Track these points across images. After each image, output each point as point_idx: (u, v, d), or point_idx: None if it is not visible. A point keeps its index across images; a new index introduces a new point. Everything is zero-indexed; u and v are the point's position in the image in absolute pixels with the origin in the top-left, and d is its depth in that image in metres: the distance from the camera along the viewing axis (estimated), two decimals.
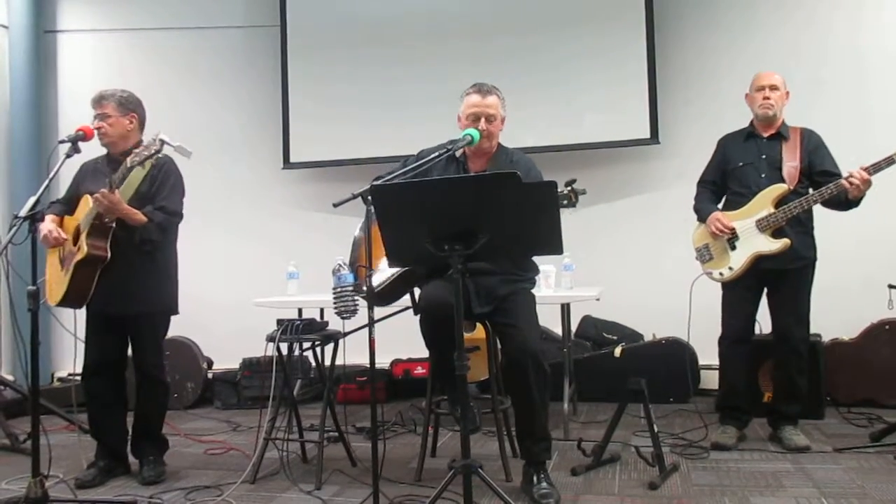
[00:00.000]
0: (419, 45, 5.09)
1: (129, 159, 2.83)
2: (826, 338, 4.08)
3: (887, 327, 4.05)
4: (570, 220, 2.40)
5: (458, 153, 2.83)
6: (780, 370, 3.42)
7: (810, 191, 3.28)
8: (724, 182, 3.48)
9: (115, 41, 5.61)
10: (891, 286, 3.65)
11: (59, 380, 5.19)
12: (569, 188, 2.42)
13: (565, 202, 2.39)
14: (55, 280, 3.09)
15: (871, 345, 4.07)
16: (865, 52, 4.58)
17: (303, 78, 5.26)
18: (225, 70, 5.51)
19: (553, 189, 2.32)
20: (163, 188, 3.09)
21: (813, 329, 3.87)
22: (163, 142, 2.77)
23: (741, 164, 3.40)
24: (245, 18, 5.52)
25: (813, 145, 3.35)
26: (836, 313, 4.15)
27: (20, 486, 2.85)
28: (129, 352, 3.22)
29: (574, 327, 4.54)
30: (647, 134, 4.73)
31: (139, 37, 5.57)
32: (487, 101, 2.83)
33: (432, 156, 2.73)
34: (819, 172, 3.30)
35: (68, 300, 3.06)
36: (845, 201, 3.19)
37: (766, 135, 3.40)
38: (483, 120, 2.80)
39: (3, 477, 3.22)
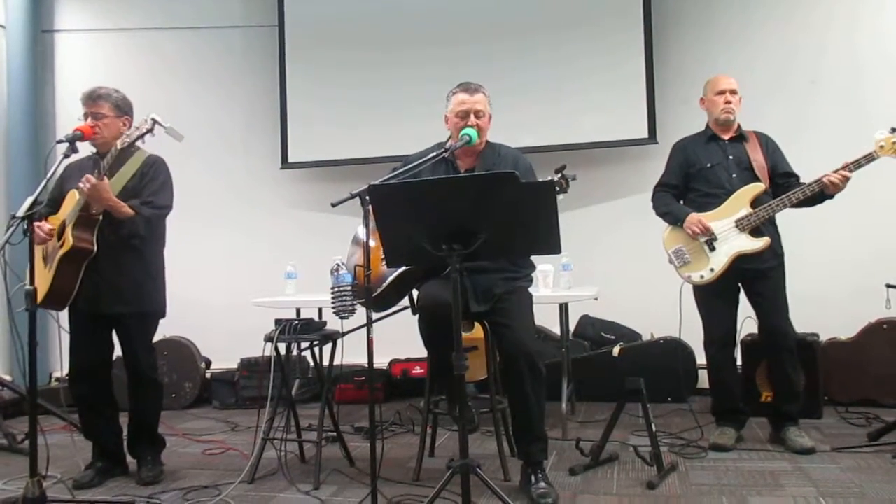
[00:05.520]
0: (418, 46, 5.09)
1: (118, 141, 2.80)
2: (824, 337, 4.07)
3: (885, 327, 4.05)
4: (568, 220, 2.39)
5: (446, 154, 2.81)
6: (777, 370, 3.42)
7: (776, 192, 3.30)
8: (686, 185, 3.48)
9: (113, 41, 5.61)
10: (888, 286, 3.65)
11: (57, 380, 5.18)
12: (559, 174, 2.42)
13: (556, 188, 2.38)
14: (39, 279, 2.95)
15: (869, 344, 4.07)
16: (862, 52, 4.59)
17: (301, 78, 5.26)
18: (223, 70, 5.51)
19: (551, 188, 2.32)
20: (152, 184, 3.05)
21: (810, 329, 3.89)
22: (154, 121, 2.71)
23: (709, 165, 3.40)
24: (243, 18, 5.52)
25: (772, 147, 3.42)
26: (833, 313, 4.16)
27: (18, 487, 2.84)
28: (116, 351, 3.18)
29: (572, 327, 4.54)
30: (645, 134, 4.74)
31: (136, 37, 5.57)
32: (475, 98, 2.85)
33: (427, 157, 2.73)
34: (781, 174, 3.36)
35: (50, 299, 2.95)
36: (820, 197, 3.23)
37: (726, 137, 3.43)
38: (473, 116, 2.82)
39: (0, 477, 3.21)
